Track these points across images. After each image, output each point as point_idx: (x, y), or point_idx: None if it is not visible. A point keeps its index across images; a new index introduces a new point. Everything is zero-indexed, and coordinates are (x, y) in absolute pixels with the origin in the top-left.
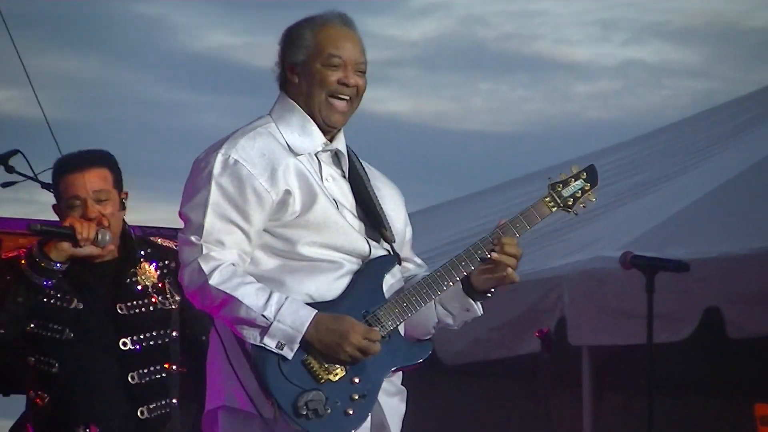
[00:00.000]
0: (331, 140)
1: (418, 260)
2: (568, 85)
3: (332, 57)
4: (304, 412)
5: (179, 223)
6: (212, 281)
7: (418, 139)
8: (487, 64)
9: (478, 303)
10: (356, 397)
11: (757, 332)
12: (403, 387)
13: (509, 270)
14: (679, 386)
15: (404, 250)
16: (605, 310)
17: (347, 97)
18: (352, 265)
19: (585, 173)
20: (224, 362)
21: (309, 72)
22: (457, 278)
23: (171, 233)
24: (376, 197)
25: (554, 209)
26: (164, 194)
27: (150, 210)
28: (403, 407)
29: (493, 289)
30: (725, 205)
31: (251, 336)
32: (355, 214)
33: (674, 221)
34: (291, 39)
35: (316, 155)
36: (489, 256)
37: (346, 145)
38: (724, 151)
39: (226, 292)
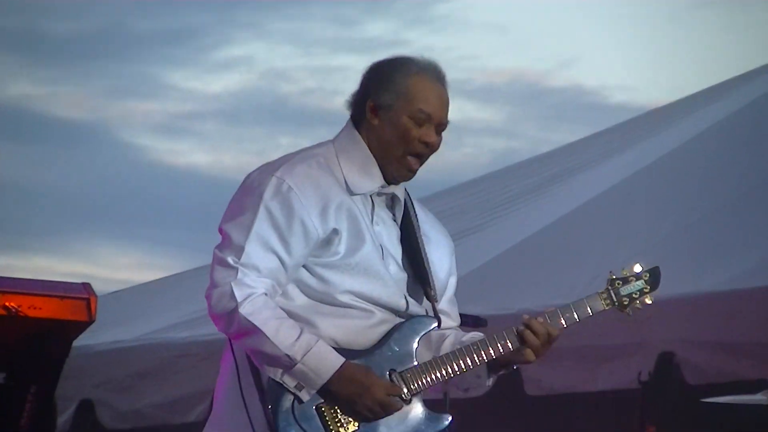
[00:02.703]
0: (389, 184)
1: (455, 316)
2: None
3: (421, 112)
4: None
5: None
6: (242, 310)
7: (218, 191)
8: (289, 118)
9: (492, 377)
10: None
11: (555, 389)
12: None
13: (528, 352)
14: None
15: (442, 302)
16: None
17: (425, 155)
18: (384, 315)
19: (648, 274)
20: (236, 393)
21: (393, 121)
22: (493, 356)
23: None
24: (425, 250)
25: (608, 307)
26: None
27: None
28: None
29: (515, 366)
30: (524, 262)
31: (272, 372)
32: (400, 264)
33: (474, 276)
34: (380, 77)
35: (371, 196)
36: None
37: (405, 191)
38: (523, 207)
39: (255, 324)
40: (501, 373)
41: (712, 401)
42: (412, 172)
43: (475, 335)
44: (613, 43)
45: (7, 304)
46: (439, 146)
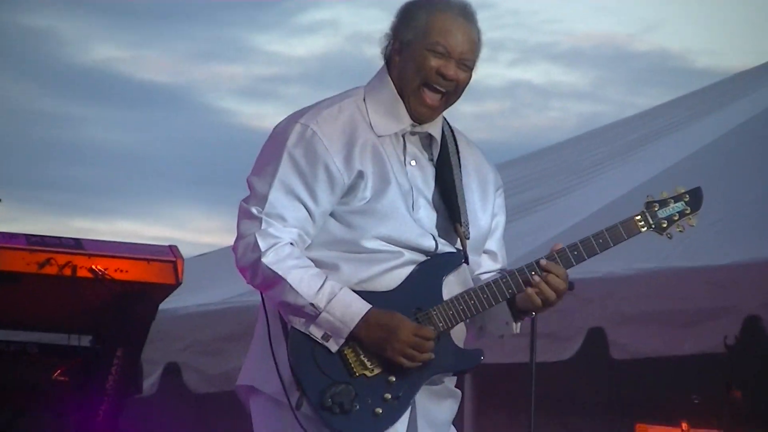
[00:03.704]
0: (422, 123)
1: (500, 257)
2: (455, 105)
3: (437, 44)
4: (329, 405)
5: (65, 232)
6: (265, 259)
7: None
8: None
9: (519, 322)
10: (389, 397)
11: (640, 353)
12: (456, 390)
13: (537, 300)
14: (561, 405)
15: (488, 242)
16: None
17: (443, 90)
18: (414, 256)
19: (688, 195)
20: (265, 342)
21: (411, 54)
22: (517, 290)
23: (53, 241)
24: (462, 189)
25: (644, 229)
26: (46, 205)
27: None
28: (453, 411)
29: (533, 313)
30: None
31: (297, 322)
32: (431, 202)
33: (559, 240)
34: (404, 16)
35: (402, 136)
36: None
37: (450, 128)
38: (609, 171)
39: (278, 274)
40: (524, 319)
41: None
42: (430, 109)
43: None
44: (698, 7)
45: (93, 267)
46: (464, 83)
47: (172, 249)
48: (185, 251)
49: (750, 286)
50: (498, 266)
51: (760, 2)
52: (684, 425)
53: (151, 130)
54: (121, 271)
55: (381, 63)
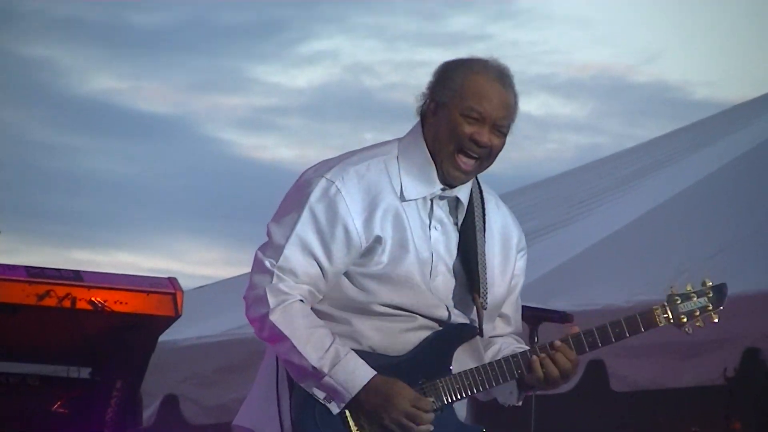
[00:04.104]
0: (453, 186)
1: (513, 320)
2: None
3: (472, 110)
4: None
5: (64, 264)
6: (272, 317)
7: None
8: (373, 113)
9: (522, 394)
10: None
11: (640, 385)
12: None
13: (540, 380)
14: None
15: (503, 306)
16: None
17: (476, 156)
18: (425, 321)
19: (712, 291)
20: (269, 387)
21: (445, 116)
22: (526, 371)
23: (52, 273)
24: (483, 256)
25: (662, 323)
26: (46, 236)
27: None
28: None
29: (537, 389)
30: (609, 257)
31: (303, 383)
32: (451, 269)
33: (559, 272)
34: (441, 76)
35: (431, 200)
36: (534, 357)
37: (480, 189)
38: (608, 203)
39: (284, 333)
40: (528, 393)
41: None
42: (464, 173)
43: (516, 348)
44: (697, 38)
45: (93, 298)
46: (498, 149)
47: (172, 281)
48: (184, 283)
49: (749, 317)
50: (510, 329)
51: (760, 34)
52: None
53: (150, 161)
54: (121, 303)
55: (380, 96)
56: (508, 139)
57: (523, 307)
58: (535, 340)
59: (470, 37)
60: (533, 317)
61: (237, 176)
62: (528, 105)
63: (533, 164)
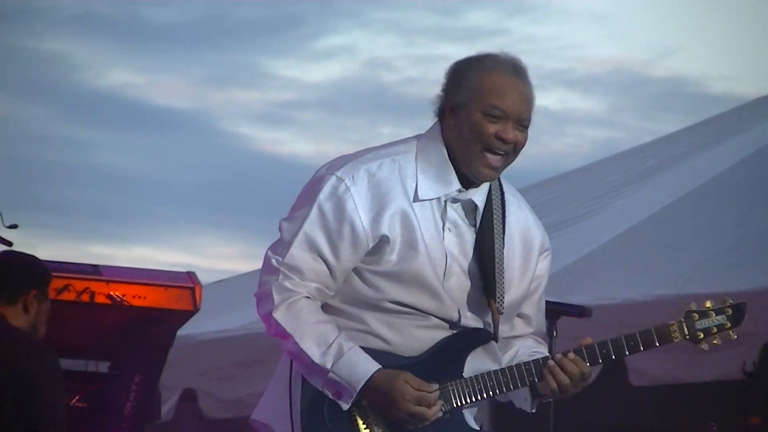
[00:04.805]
0: (468, 188)
1: (535, 321)
2: None
3: (494, 108)
4: None
5: (83, 258)
6: (276, 314)
7: None
8: (390, 108)
9: (536, 402)
10: None
11: (658, 380)
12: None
13: (553, 390)
14: None
15: (525, 306)
16: None
17: (503, 152)
18: (437, 321)
19: (731, 309)
20: (284, 382)
21: (468, 119)
22: (538, 379)
23: (71, 267)
24: (501, 259)
25: (678, 339)
26: (64, 231)
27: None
28: None
29: (551, 399)
30: (628, 252)
31: (313, 380)
32: (467, 271)
33: (577, 266)
34: (455, 76)
35: (445, 201)
36: (545, 369)
37: (501, 191)
38: (625, 198)
39: (287, 330)
40: (542, 401)
41: None
42: (494, 170)
43: (533, 354)
44: (714, 32)
45: (111, 293)
46: (522, 143)
47: (190, 275)
48: (203, 277)
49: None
50: (530, 330)
51: None
52: None
53: (167, 156)
54: (139, 297)
55: (396, 91)
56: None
57: None
58: (554, 334)
59: (487, 32)
60: (552, 312)
61: (254, 171)
62: (545, 100)
63: (551, 159)
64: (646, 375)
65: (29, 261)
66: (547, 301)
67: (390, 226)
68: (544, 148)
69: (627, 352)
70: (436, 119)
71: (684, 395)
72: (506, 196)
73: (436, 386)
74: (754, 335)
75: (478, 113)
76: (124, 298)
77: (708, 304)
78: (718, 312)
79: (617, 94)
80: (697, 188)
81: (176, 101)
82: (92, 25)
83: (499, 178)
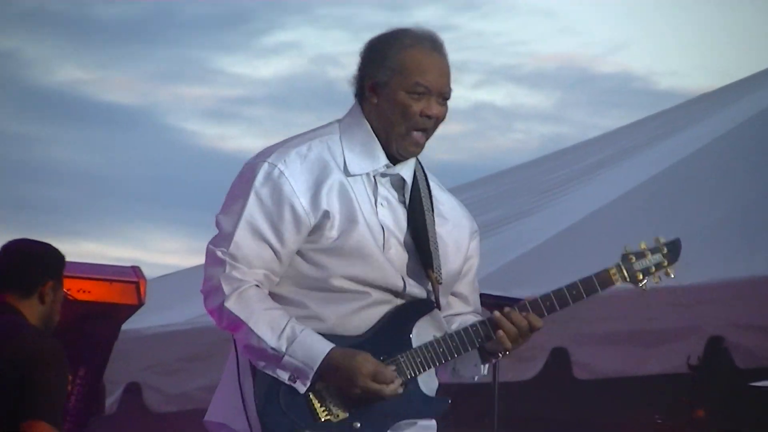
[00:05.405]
0: (395, 164)
1: (472, 300)
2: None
3: (418, 85)
4: None
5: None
6: (228, 304)
7: None
8: (338, 104)
9: (486, 364)
10: None
11: (603, 373)
12: (431, 423)
13: (503, 341)
14: (524, 425)
15: (458, 285)
16: None
17: (427, 128)
18: (381, 296)
19: (666, 247)
20: (234, 380)
21: (391, 97)
22: (488, 338)
23: None
24: (433, 231)
25: (618, 282)
26: (10, 225)
27: None
28: None
29: (500, 354)
30: (573, 247)
31: (263, 365)
32: (403, 244)
33: (523, 261)
34: (374, 55)
35: (374, 177)
36: (497, 312)
37: (423, 172)
38: (572, 192)
39: (240, 318)
40: (493, 361)
41: (762, 385)
42: (420, 146)
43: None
44: (662, 28)
45: None
46: (444, 116)
47: (135, 269)
48: (148, 272)
49: (713, 306)
50: (469, 309)
51: (723, 25)
52: None
53: (115, 151)
54: (84, 291)
55: (345, 87)
56: (473, 129)
57: (483, 294)
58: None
59: (435, 28)
60: (495, 306)
61: (201, 166)
62: (493, 95)
63: (498, 154)
64: (590, 368)
65: (44, 250)
66: (489, 295)
67: (329, 201)
68: (492, 144)
69: (571, 302)
70: (355, 100)
71: (629, 388)
72: (428, 178)
73: (393, 368)
74: (700, 329)
75: (402, 91)
76: (68, 293)
77: (643, 245)
78: (654, 251)
79: (565, 89)
80: (643, 183)
81: (125, 97)
82: (41, 22)
83: (418, 159)
